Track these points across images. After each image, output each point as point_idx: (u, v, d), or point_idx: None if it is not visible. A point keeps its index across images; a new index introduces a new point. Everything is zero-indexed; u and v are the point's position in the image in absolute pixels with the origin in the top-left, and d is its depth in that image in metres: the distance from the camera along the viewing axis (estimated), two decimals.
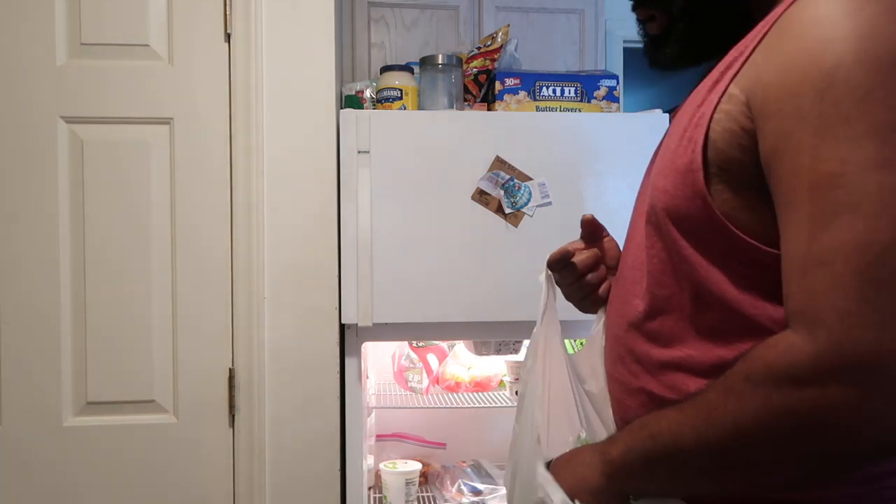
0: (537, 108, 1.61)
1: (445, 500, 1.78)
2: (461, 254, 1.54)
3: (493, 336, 1.66)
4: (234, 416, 1.53)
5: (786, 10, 0.61)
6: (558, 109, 1.62)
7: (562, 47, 2.24)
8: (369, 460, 1.83)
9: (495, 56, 1.70)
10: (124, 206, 1.50)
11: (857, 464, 0.55)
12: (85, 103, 1.49)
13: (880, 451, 0.53)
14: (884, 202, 0.50)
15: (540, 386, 0.85)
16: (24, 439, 1.48)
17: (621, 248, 0.91)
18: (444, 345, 1.97)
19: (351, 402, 1.56)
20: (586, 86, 1.63)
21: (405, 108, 1.62)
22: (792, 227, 0.55)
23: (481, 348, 1.81)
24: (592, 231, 0.93)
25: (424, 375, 1.92)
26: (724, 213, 0.62)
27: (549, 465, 0.76)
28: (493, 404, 1.86)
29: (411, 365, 1.92)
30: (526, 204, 1.55)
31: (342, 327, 1.56)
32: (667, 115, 1.60)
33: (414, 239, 1.53)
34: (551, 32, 2.23)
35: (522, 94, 1.61)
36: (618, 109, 1.64)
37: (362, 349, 1.59)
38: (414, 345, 1.92)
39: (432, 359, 1.94)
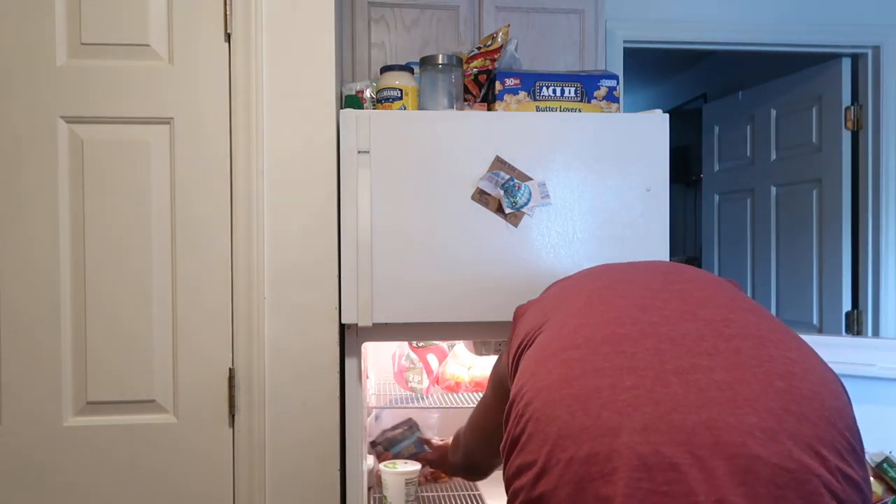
0: (537, 108, 1.61)
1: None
2: (461, 254, 1.54)
3: (493, 336, 1.66)
4: (234, 416, 1.53)
5: None
6: (558, 109, 1.62)
7: (562, 47, 2.24)
8: (369, 460, 1.83)
9: (495, 56, 1.70)
10: (124, 206, 1.50)
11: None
12: (85, 103, 1.49)
13: None
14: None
15: None
16: (24, 439, 1.48)
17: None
18: (444, 345, 1.97)
19: (351, 402, 1.56)
20: (586, 86, 1.63)
21: (405, 108, 1.62)
22: None
23: (481, 348, 1.81)
24: None
25: (424, 375, 1.92)
26: None
27: None
28: None
29: (411, 365, 1.93)
30: (526, 204, 1.55)
31: (342, 327, 1.56)
32: (667, 115, 1.60)
33: (414, 239, 1.53)
34: (551, 32, 2.23)
35: (522, 94, 1.61)
36: (618, 109, 1.64)
37: (362, 349, 1.59)
38: (414, 345, 1.92)
39: (432, 359, 1.94)
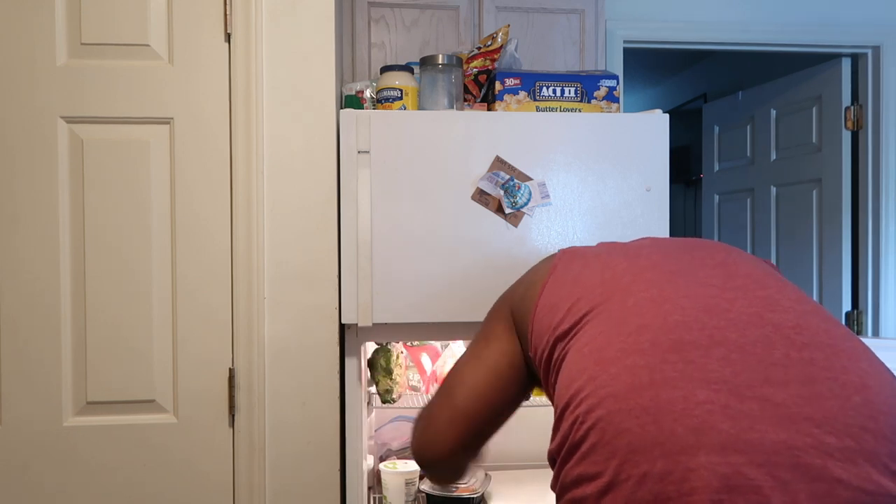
0: (537, 108, 1.61)
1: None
2: (461, 254, 1.54)
3: None
4: (234, 416, 1.53)
5: None
6: (558, 109, 1.62)
7: (562, 47, 2.24)
8: (369, 460, 1.83)
9: (495, 56, 1.70)
10: (124, 206, 1.50)
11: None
12: (85, 103, 1.49)
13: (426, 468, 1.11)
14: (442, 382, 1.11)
15: None
16: (24, 439, 1.48)
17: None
18: (437, 344, 1.97)
19: (351, 402, 1.56)
20: (586, 86, 1.63)
21: (405, 108, 1.62)
22: None
23: None
24: None
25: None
26: None
27: None
28: None
29: (411, 364, 1.92)
30: (526, 204, 1.55)
31: (342, 327, 1.56)
32: (667, 115, 1.60)
33: (414, 239, 1.53)
34: (551, 32, 2.23)
35: (522, 94, 1.61)
36: (618, 109, 1.64)
37: (362, 349, 1.59)
38: (409, 345, 1.92)
39: (425, 359, 1.94)
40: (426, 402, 1.15)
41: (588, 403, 0.80)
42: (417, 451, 1.09)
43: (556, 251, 1.09)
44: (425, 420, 1.09)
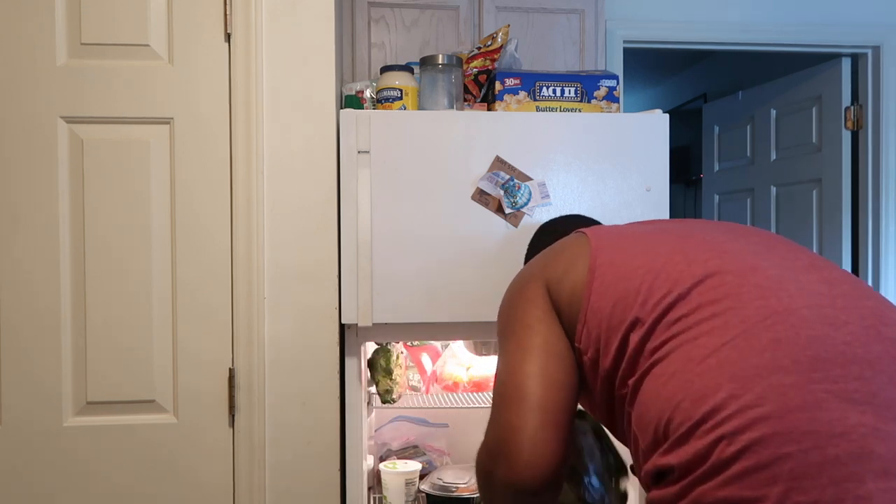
0: (537, 108, 1.61)
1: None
2: (461, 254, 1.54)
3: (492, 336, 1.65)
4: (234, 415, 1.53)
5: None
6: (558, 109, 1.62)
7: (562, 47, 2.24)
8: (369, 460, 1.83)
9: (495, 56, 1.70)
10: (124, 206, 1.50)
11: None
12: (85, 103, 1.49)
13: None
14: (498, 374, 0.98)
15: None
16: (24, 439, 1.48)
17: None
18: (437, 344, 1.97)
19: (351, 402, 1.56)
20: (586, 86, 1.63)
21: (405, 108, 1.62)
22: None
23: (481, 348, 1.81)
24: None
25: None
26: None
27: None
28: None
29: (411, 364, 1.93)
30: (526, 204, 1.55)
31: (342, 327, 1.56)
32: (667, 115, 1.60)
33: (414, 239, 1.53)
34: (551, 32, 2.23)
35: (522, 94, 1.61)
36: (618, 109, 1.64)
37: (362, 349, 1.59)
38: (409, 345, 1.93)
39: (425, 359, 1.94)
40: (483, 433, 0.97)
41: (735, 424, 0.76)
42: (514, 482, 0.89)
43: (573, 232, 1.03)
44: (503, 445, 0.91)
